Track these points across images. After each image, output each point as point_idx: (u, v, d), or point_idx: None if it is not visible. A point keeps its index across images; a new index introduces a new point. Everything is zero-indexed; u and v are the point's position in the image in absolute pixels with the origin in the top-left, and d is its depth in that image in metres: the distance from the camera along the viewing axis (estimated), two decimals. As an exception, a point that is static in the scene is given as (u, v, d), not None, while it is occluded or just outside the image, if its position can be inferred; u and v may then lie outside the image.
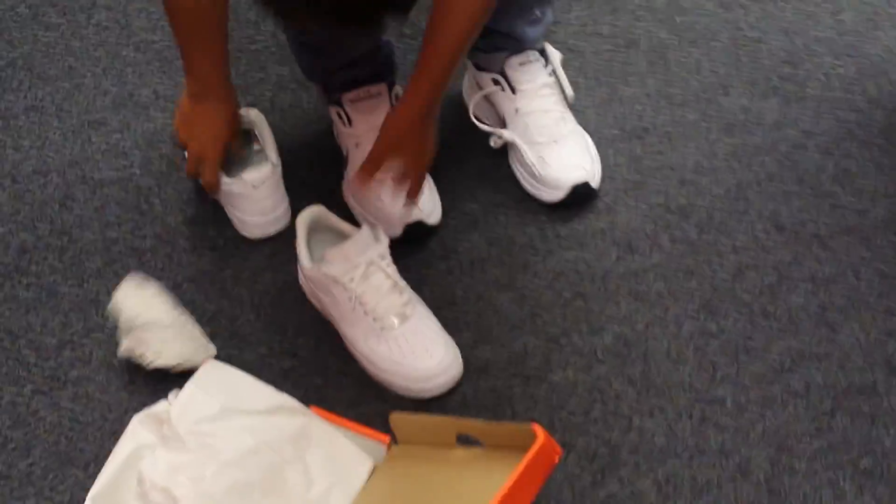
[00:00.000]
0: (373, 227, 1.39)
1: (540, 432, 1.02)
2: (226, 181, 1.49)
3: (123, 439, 1.23)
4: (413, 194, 1.41)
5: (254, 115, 1.56)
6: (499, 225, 1.53)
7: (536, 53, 1.59)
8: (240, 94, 1.58)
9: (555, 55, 1.62)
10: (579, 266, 1.46)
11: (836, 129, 1.61)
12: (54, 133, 1.70)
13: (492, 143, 1.59)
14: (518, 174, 1.58)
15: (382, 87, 1.56)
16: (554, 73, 1.60)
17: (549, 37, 1.64)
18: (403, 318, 1.34)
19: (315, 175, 1.61)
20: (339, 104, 1.58)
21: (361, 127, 1.54)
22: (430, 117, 1.37)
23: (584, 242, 1.49)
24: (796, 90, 1.67)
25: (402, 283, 1.37)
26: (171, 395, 1.27)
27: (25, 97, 1.77)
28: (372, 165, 1.37)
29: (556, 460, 1.04)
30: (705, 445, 1.25)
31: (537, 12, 1.56)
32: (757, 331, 1.36)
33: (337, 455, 1.20)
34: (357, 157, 1.53)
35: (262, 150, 1.54)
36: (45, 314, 1.46)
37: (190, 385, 1.28)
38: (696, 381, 1.31)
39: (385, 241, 1.37)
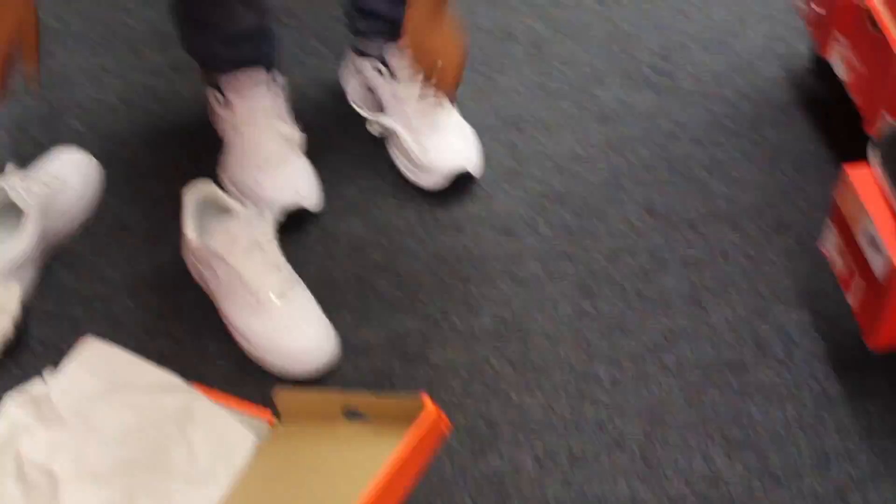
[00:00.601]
0: (258, 206, 1.39)
1: (428, 402, 1.02)
2: None
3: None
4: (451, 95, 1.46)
5: None
6: (378, 210, 1.54)
7: None
8: (111, 78, 1.57)
9: None
10: (458, 250, 1.48)
11: (706, 121, 1.67)
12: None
13: (370, 130, 1.60)
14: (397, 160, 1.59)
15: (262, 72, 1.56)
16: None
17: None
18: (280, 295, 1.33)
19: (192, 158, 1.59)
20: (218, 86, 1.56)
21: (240, 109, 1.53)
22: (439, 13, 1.35)
23: (463, 227, 1.51)
24: (669, 83, 1.73)
25: (283, 262, 1.36)
26: (45, 374, 1.24)
27: None
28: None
29: (446, 431, 1.04)
30: (582, 420, 1.27)
31: None
32: (631, 311, 1.40)
33: (220, 432, 1.19)
34: (235, 140, 1.52)
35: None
36: None
37: (70, 363, 1.25)
38: (573, 359, 1.34)
39: (270, 221, 1.37)
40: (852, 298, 1.26)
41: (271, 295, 1.33)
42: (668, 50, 1.78)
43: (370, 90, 1.63)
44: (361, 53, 1.62)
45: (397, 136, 1.57)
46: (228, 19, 1.51)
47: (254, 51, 1.56)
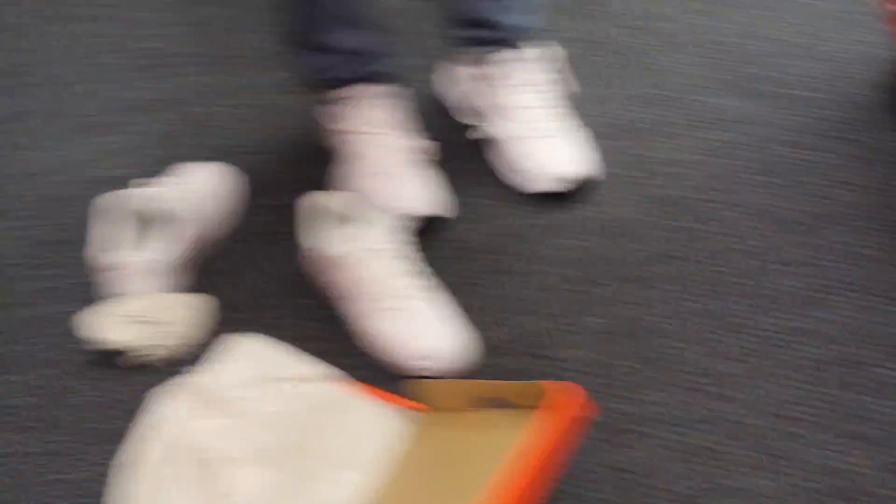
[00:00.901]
0: (385, 213, 1.45)
1: (572, 387, 1.08)
2: None
3: (151, 414, 1.27)
4: None
5: None
6: (496, 215, 1.61)
7: (517, 51, 1.67)
8: (222, 97, 1.67)
9: (548, 52, 1.71)
10: (579, 252, 1.55)
11: (800, 123, 1.73)
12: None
13: (473, 136, 1.68)
14: (501, 167, 1.66)
15: (378, 87, 1.64)
16: (543, 69, 1.69)
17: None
18: (406, 298, 1.41)
19: (305, 170, 1.69)
20: (335, 104, 1.64)
21: (358, 124, 1.61)
22: None
23: (579, 231, 1.58)
24: (761, 88, 1.81)
25: (406, 267, 1.43)
26: (200, 367, 1.33)
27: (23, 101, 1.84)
28: None
29: (589, 415, 1.10)
30: (713, 415, 1.32)
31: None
32: (750, 309, 1.45)
33: (373, 421, 1.27)
34: (356, 153, 1.61)
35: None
36: (62, 304, 1.51)
37: (226, 356, 1.34)
38: (699, 356, 1.39)
39: (390, 228, 1.44)
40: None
41: (397, 300, 1.41)
42: (758, 57, 1.86)
43: (469, 98, 1.70)
44: (460, 63, 1.69)
45: (501, 144, 1.64)
46: (342, 41, 1.60)
47: (368, 68, 1.65)
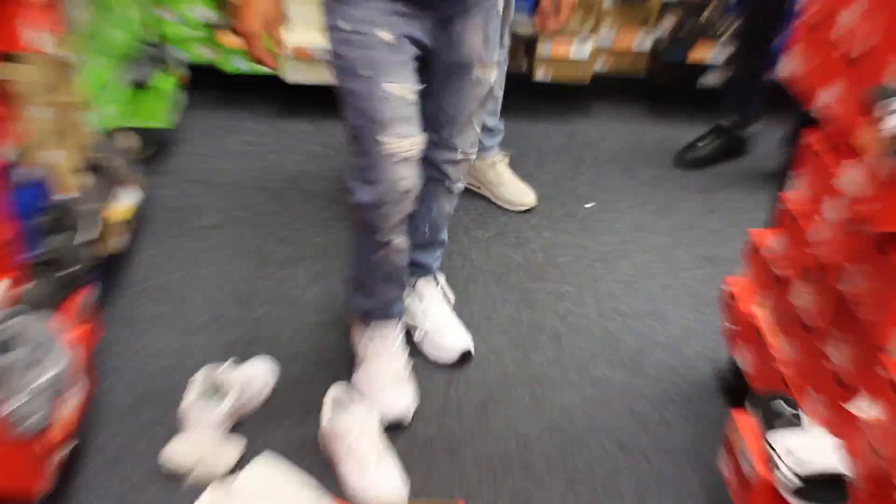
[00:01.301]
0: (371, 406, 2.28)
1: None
2: None
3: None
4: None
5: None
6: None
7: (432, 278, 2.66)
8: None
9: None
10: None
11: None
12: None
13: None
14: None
15: (395, 323, 2.49)
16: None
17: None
18: (376, 462, 2.18)
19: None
20: (361, 325, 2.48)
21: (375, 346, 2.46)
22: None
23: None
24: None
25: (381, 443, 2.22)
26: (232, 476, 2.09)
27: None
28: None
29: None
30: None
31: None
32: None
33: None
34: (368, 363, 2.46)
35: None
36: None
37: (251, 468, 2.11)
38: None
39: (377, 418, 2.25)
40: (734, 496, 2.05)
41: (370, 460, 2.18)
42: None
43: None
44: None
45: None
46: (386, 292, 2.43)
47: (392, 311, 2.47)
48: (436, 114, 2.27)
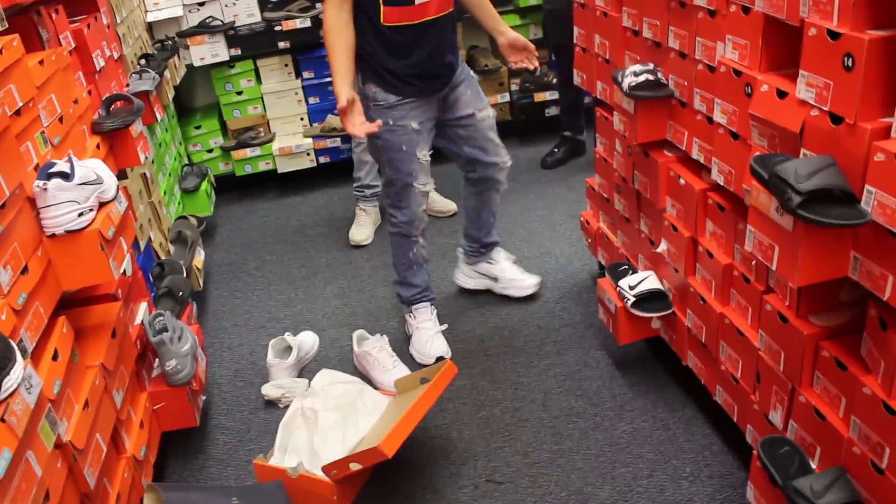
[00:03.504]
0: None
1: (448, 361, 2.31)
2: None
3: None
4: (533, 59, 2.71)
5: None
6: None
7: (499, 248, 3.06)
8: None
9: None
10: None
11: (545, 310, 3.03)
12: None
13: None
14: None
15: (430, 304, 2.87)
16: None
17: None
18: (394, 365, 2.65)
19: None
20: (411, 310, 2.86)
21: (418, 320, 2.83)
22: None
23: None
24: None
25: (395, 357, 2.69)
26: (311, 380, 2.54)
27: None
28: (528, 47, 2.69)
29: (454, 371, 2.32)
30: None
31: None
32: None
33: (377, 398, 2.47)
34: (416, 335, 2.82)
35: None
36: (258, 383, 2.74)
37: (321, 377, 2.56)
38: None
39: (386, 340, 2.72)
40: (612, 330, 2.56)
41: (389, 365, 2.64)
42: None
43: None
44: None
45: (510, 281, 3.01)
46: (418, 281, 2.82)
47: (425, 294, 2.84)
48: (474, 149, 2.76)
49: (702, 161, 2.04)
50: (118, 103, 2.61)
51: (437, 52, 2.51)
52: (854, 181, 1.44)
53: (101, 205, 1.98)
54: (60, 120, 2.14)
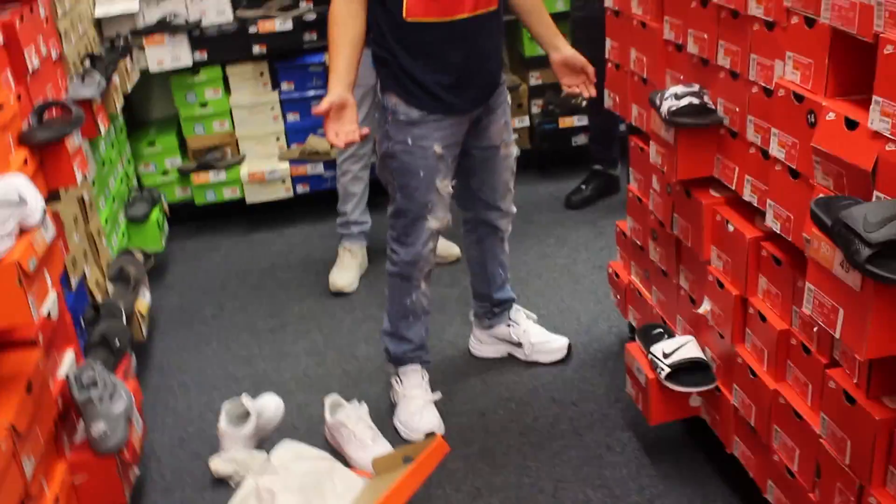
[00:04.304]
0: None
1: (439, 437, 2.28)
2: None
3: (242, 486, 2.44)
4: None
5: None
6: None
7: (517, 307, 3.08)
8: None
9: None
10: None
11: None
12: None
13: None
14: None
15: (420, 366, 2.82)
16: None
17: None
18: (371, 440, 2.62)
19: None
20: (396, 372, 2.82)
21: (404, 388, 2.80)
22: None
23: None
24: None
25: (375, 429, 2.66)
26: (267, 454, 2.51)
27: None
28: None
29: (446, 450, 2.29)
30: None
31: None
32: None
33: (349, 478, 2.43)
34: (401, 404, 2.79)
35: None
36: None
37: (279, 448, 2.54)
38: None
39: (365, 408, 2.70)
40: (640, 406, 2.52)
41: (367, 440, 2.61)
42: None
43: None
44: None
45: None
46: (414, 334, 2.78)
47: (420, 354, 2.82)
48: (481, 187, 2.79)
49: (755, 204, 2.04)
50: (53, 111, 2.62)
51: (473, 60, 2.52)
52: (937, 232, 1.42)
53: (22, 231, 1.98)
54: (-21, 125, 2.15)
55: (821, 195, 1.66)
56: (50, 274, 2.07)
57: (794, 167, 1.82)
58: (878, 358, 1.54)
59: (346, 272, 3.69)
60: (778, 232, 1.91)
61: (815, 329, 1.88)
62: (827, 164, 1.69)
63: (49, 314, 2.28)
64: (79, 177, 2.62)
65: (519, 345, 3.04)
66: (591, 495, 2.44)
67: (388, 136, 2.56)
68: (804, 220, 1.79)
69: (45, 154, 2.54)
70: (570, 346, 3.05)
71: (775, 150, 1.87)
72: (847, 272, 1.50)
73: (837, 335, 1.56)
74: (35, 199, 2.02)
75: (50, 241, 2.07)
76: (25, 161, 2.38)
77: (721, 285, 2.19)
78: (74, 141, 2.62)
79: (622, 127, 4.11)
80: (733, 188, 2.12)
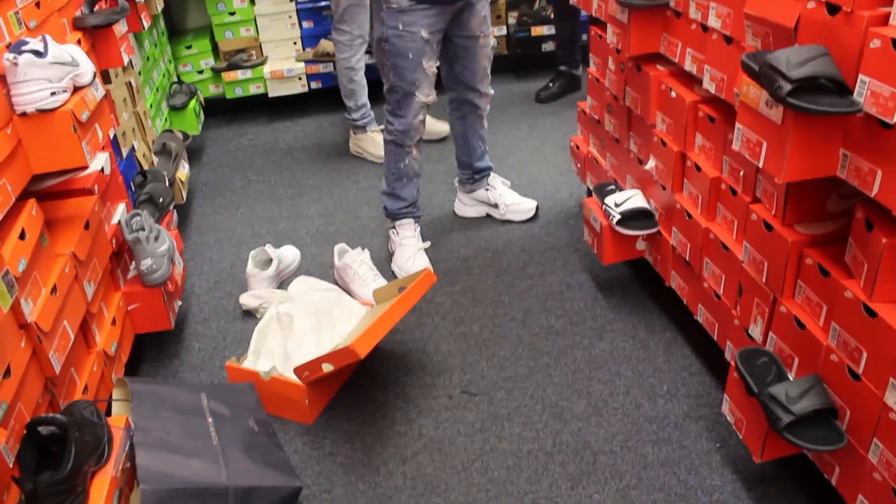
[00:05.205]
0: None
1: (428, 269, 2.26)
2: None
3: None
4: None
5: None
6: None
7: (495, 174, 2.95)
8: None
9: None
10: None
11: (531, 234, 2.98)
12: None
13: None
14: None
15: (413, 220, 2.79)
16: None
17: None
18: (373, 279, 2.60)
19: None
20: (394, 225, 2.79)
21: (401, 237, 2.77)
22: None
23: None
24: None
25: (374, 270, 2.64)
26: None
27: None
28: None
29: (433, 280, 2.27)
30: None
31: None
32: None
33: (354, 306, 2.42)
34: (398, 251, 2.76)
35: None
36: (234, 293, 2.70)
37: (296, 280, 2.52)
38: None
39: (367, 254, 2.66)
40: (596, 251, 2.50)
41: (369, 279, 2.59)
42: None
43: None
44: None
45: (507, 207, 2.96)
46: (407, 193, 2.75)
47: (412, 210, 2.78)
48: (463, 71, 2.72)
49: (694, 73, 1.97)
50: (102, 3, 2.52)
51: None
52: (848, 73, 1.38)
53: (77, 89, 1.92)
54: (37, 5, 2.06)
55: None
56: (101, 128, 2.01)
57: (728, 34, 1.76)
58: (793, 187, 1.51)
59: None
60: (713, 92, 1.85)
61: (741, 173, 1.84)
62: (756, 26, 1.63)
63: (103, 169, 2.23)
64: (125, 59, 2.54)
65: (495, 206, 3.01)
66: (554, 322, 2.44)
67: (382, 23, 2.50)
68: (735, 79, 1.74)
69: (96, 38, 2.46)
70: (537, 208, 3.02)
71: (713, 21, 1.81)
72: (770, 108, 1.46)
73: (761, 164, 1.52)
74: (86, 63, 1.95)
75: (99, 99, 2.00)
76: (79, 42, 2.30)
77: (664, 144, 2.15)
78: (121, 27, 2.53)
79: (584, 37, 4.01)
80: (676, 61, 2.06)
